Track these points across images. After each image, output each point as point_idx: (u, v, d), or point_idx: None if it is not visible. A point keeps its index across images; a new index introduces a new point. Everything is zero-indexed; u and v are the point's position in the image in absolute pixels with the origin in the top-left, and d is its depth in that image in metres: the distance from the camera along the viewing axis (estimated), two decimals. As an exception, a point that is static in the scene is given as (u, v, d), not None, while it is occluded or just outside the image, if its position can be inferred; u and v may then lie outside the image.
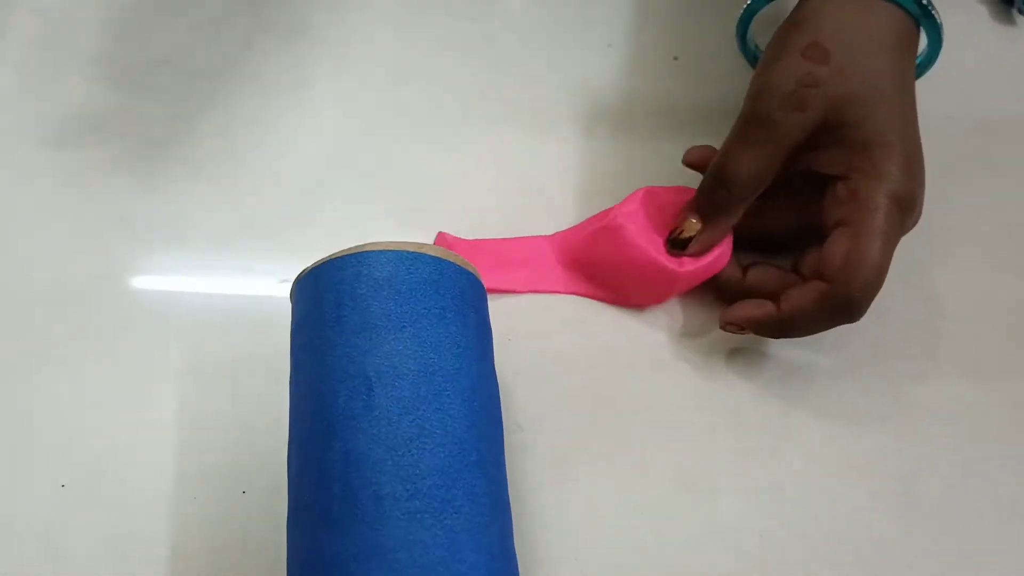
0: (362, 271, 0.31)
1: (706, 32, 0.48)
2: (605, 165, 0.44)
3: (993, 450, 0.38)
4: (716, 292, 0.40)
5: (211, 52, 0.47)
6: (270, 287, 0.40)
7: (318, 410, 0.29)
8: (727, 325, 0.38)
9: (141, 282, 0.40)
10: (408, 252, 0.31)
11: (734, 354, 0.40)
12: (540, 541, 0.35)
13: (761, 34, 0.41)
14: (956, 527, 0.36)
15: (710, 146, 0.40)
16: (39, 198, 0.42)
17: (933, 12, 0.36)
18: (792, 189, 0.38)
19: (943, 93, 0.39)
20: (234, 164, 0.43)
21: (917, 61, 0.39)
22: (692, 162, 0.40)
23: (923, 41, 0.38)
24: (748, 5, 0.41)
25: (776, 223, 0.40)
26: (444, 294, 0.31)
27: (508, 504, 0.31)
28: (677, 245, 0.38)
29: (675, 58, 0.48)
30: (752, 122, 0.36)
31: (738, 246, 0.39)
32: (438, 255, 0.32)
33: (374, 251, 0.31)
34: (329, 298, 0.31)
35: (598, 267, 0.40)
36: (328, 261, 0.32)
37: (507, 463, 0.33)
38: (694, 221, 0.38)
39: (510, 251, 0.41)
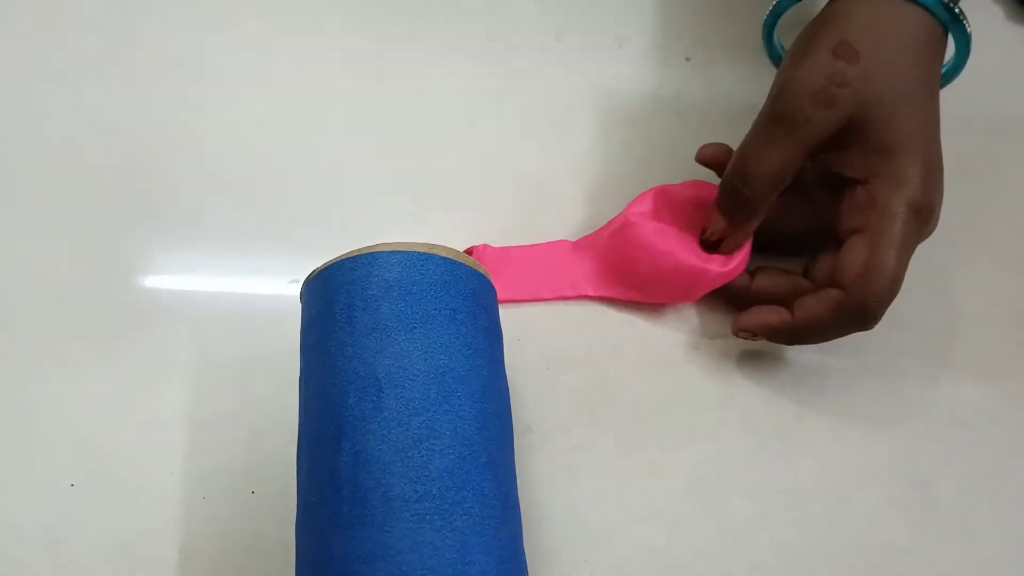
0: (373, 272, 0.31)
1: (718, 33, 0.48)
2: (617, 166, 0.44)
3: (1008, 454, 0.38)
4: (724, 296, 0.40)
5: (222, 51, 0.47)
6: (280, 287, 0.40)
7: (328, 411, 0.29)
8: (740, 332, 0.38)
9: (151, 282, 0.40)
10: (419, 253, 0.31)
11: (747, 357, 0.39)
12: (549, 544, 0.35)
13: (785, 37, 0.41)
14: (971, 532, 0.36)
15: (724, 144, 0.39)
16: (49, 197, 0.42)
17: (963, 20, 0.36)
18: (808, 191, 0.38)
19: (958, 94, 0.39)
20: (244, 164, 0.43)
21: (944, 70, 0.38)
22: (705, 159, 0.40)
23: (950, 49, 0.38)
24: (776, 4, 0.40)
25: (791, 225, 0.39)
26: (455, 295, 0.31)
27: (518, 506, 0.31)
28: (709, 247, 0.38)
29: (687, 59, 0.47)
30: (777, 119, 0.35)
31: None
32: (449, 256, 0.32)
33: (385, 252, 0.31)
34: (340, 298, 0.31)
35: (622, 268, 0.40)
36: (339, 261, 0.31)
37: (516, 465, 0.32)
38: (718, 220, 0.37)
39: (537, 258, 0.41)
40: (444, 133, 0.45)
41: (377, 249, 0.31)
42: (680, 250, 0.38)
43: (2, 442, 0.36)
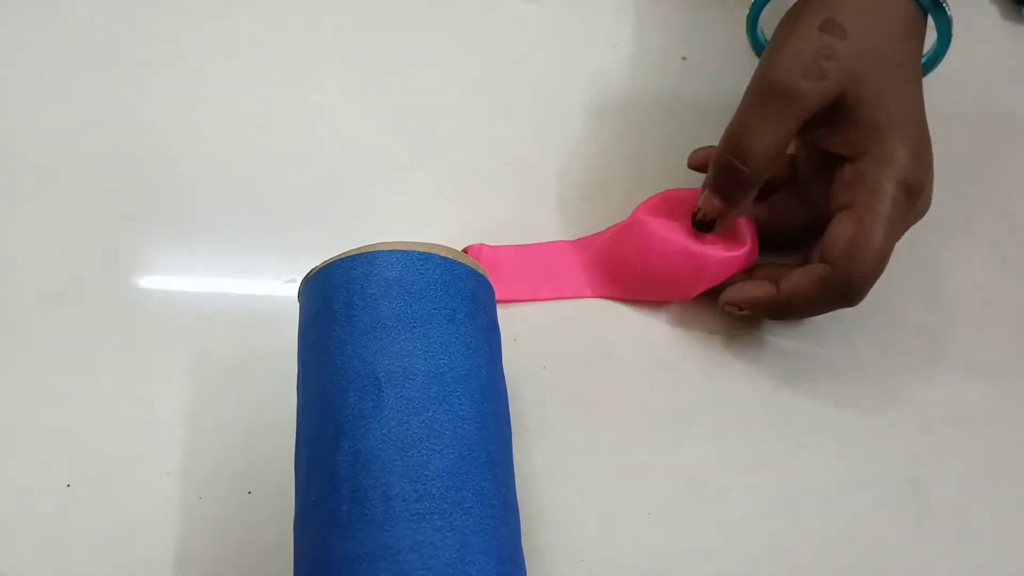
0: (372, 271, 0.31)
1: (714, 32, 0.48)
2: (614, 165, 0.44)
3: (1002, 451, 0.38)
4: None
5: (219, 48, 0.46)
6: (277, 287, 0.40)
7: (327, 410, 0.29)
8: (726, 305, 0.38)
9: (147, 281, 0.40)
10: (419, 252, 0.31)
11: (743, 356, 0.39)
12: (547, 543, 0.35)
13: (769, 29, 0.41)
14: (966, 529, 0.36)
15: (715, 147, 0.39)
16: (45, 196, 0.42)
17: (944, 4, 0.36)
18: (803, 185, 0.38)
19: (953, 91, 0.39)
20: (241, 162, 0.43)
21: (925, 58, 0.38)
22: (698, 165, 0.40)
23: (930, 40, 0.38)
24: None
25: (787, 221, 0.39)
26: (454, 295, 0.31)
27: (517, 506, 0.31)
28: (702, 228, 0.37)
29: (683, 58, 0.47)
30: (768, 93, 0.35)
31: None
32: (448, 256, 0.32)
33: (384, 251, 0.31)
34: (339, 297, 0.31)
35: (625, 266, 0.40)
36: (338, 260, 0.31)
37: (514, 464, 0.32)
38: (712, 200, 0.37)
39: (534, 258, 0.41)
40: (442, 133, 0.45)
41: (377, 248, 0.31)
42: (688, 240, 0.38)
43: (-2, 442, 0.36)
